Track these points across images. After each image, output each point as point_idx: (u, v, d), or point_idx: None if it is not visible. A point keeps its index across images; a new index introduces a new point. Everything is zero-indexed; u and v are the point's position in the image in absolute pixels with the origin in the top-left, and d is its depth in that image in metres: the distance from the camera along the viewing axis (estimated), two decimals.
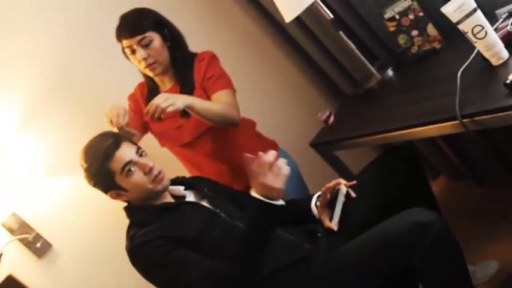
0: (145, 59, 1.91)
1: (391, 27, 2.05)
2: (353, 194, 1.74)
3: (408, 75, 2.08)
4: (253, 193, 1.47)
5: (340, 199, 1.70)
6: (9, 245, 2.25)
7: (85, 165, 1.64)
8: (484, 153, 2.44)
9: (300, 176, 2.15)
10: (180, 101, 1.75)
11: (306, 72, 2.82)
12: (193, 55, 2.04)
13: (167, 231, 1.58)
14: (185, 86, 1.98)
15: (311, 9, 2.17)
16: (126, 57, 1.97)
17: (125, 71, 2.12)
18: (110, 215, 2.40)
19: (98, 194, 2.14)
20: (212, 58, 2.02)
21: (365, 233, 1.57)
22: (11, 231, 2.27)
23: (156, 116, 1.73)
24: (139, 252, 1.57)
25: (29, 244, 2.28)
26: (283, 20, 2.20)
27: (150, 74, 1.98)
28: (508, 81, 1.38)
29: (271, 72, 2.81)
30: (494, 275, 2.01)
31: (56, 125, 2.36)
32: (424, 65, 2.00)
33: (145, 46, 1.90)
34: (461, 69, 1.56)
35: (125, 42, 1.91)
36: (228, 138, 2.02)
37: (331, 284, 1.55)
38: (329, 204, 1.77)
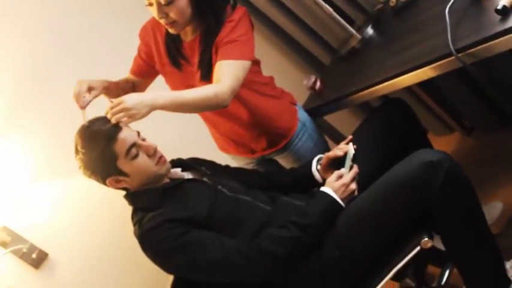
0: (162, 18, 1.71)
1: None
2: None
3: (390, 29, 2.06)
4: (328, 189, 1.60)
5: (348, 163, 1.67)
6: (4, 259, 2.17)
7: (83, 151, 1.56)
8: (469, 103, 2.44)
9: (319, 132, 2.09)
10: (145, 108, 1.54)
11: (282, 47, 2.77)
12: (226, 13, 1.79)
13: (176, 213, 1.53)
14: (204, 51, 1.81)
15: None
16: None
17: (110, 67, 2.04)
18: (105, 216, 2.36)
19: (91, 195, 2.06)
20: (239, 21, 1.78)
21: (374, 184, 1.55)
22: (4, 245, 2.20)
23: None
24: (151, 238, 1.52)
25: (24, 256, 2.23)
26: None
27: (169, 30, 1.80)
28: (499, 7, 1.38)
29: None
30: (500, 216, 2.01)
31: (39, 127, 2.28)
32: (405, 16, 1.98)
33: (169, 3, 1.67)
34: (448, 6, 1.56)
35: None
36: (240, 98, 1.86)
37: (346, 241, 1.53)
38: (333, 166, 1.75)
